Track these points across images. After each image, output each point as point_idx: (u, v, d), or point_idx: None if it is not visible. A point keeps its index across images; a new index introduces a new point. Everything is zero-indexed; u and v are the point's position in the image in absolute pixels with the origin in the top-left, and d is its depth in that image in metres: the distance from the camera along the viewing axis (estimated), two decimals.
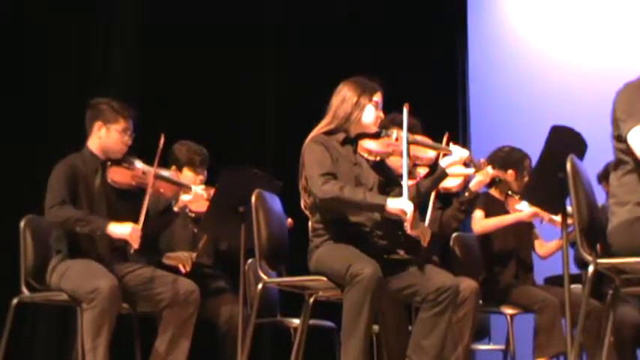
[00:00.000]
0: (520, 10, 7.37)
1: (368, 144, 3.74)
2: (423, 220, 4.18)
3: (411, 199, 3.52)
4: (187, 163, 4.61)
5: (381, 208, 3.51)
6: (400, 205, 3.48)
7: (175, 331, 4.01)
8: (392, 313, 3.85)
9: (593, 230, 3.29)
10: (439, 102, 6.54)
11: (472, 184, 4.15)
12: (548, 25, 7.21)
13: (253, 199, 3.91)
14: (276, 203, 4.07)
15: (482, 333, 5.02)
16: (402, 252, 3.69)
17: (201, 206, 4.25)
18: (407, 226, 3.48)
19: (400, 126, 3.70)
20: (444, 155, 3.77)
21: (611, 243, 3.19)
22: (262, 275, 3.85)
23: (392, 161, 3.96)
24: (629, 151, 3.15)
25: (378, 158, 3.79)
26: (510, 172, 4.62)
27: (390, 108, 3.93)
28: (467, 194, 4.23)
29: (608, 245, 3.21)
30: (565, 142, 3.69)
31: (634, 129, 3.09)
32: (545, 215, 4.54)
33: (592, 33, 7.05)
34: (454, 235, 4.87)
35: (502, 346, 4.96)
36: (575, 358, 3.44)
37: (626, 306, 4.39)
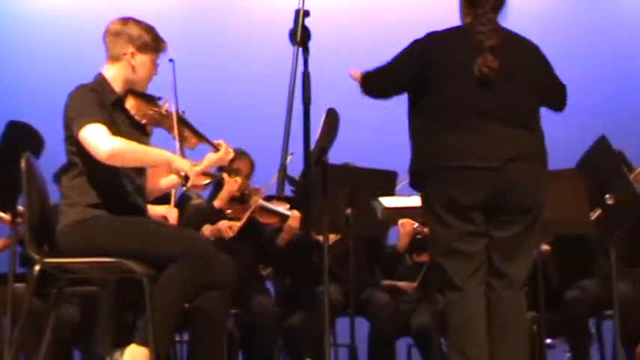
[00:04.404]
0: None
1: None
2: None
3: None
4: None
5: None
6: None
7: None
8: None
9: (43, 229, 3.28)
10: None
11: None
12: None
13: None
14: None
15: None
16: None
17: None
18: None
19: None
20: None
21: (60, 243, 3.21)
22: None
23: None
24: (79, 153, 3.19)
25: None
26: None
27: None
28: None
29: (57, 245, 3.22)
30: (21, 138, 3.64)
31: (86, 127, 3.13)
32: None
33: None
34: None
35: None
36: (12, 357, 3.39)
37: (68, 306, 4.45)
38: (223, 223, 4.57)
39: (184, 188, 3.33)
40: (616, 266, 4.07)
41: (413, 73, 3.17)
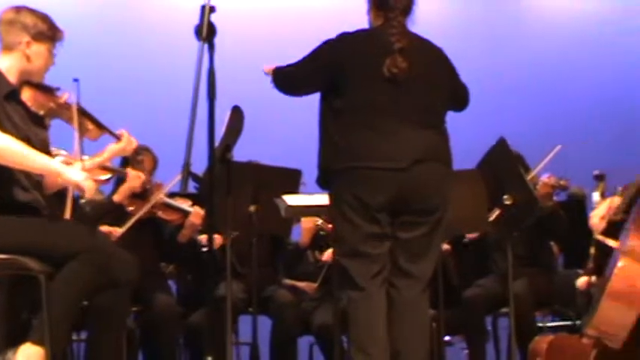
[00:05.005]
0: None
1: None
2: None
3: None
4: None
5: None
6: None
7: None
8: None
9: None
10: None
11: None
12: None
13: None
14: None
15: None
16: None
17: None
18: None
19: None
20: None
21: None
22: None
23: None
24: None
25: None
26: None
27: None
28: None
29: None
30: None
31: None
32: None
33: None
34: None
35: None
36: None
37: None
38: (103, 229, 4.40)
39: (82, 200, 3.24)
40: (512, 265, 4.18)
41: (323, 72, 3.19)
